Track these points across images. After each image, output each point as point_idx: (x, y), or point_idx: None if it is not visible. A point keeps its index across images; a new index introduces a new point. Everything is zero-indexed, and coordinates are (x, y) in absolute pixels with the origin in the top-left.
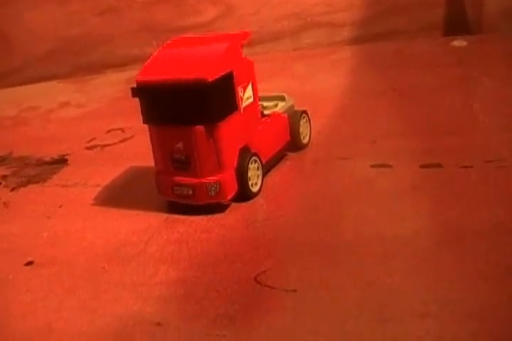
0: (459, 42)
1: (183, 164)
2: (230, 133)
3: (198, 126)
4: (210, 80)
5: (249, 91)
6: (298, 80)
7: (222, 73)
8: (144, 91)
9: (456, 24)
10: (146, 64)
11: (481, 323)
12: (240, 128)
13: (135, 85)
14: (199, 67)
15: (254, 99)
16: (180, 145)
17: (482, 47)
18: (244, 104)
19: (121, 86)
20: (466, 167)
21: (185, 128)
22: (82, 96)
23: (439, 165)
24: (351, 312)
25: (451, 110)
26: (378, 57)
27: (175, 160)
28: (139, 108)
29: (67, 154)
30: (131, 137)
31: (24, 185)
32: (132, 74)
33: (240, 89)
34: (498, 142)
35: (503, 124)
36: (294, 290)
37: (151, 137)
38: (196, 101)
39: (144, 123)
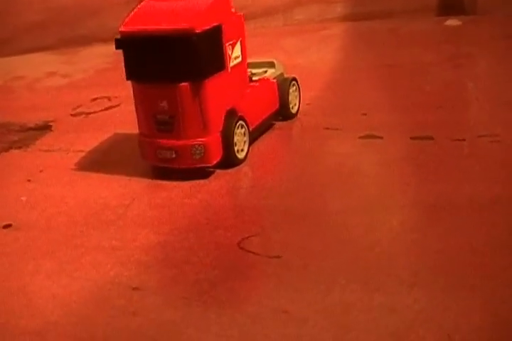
0: (452, 22)
1: (167, 125)
2: (217, 92)
3: (183, 83)
4: (197, 31)
5: (237, 50)
6: (288, 54)
7: (211, 25)
8: (127, 43)
9: (451, 5)
10: (130, 15)
11: (471, 294)
12: (227, 89)
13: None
14: (186, 18)
15: (242, 59)
16: (164, 104)
17: (476, 27)
18: (232, 64)
19: (109, 58)
20: (458, 140)
21: (169, 86)
22: (69, 67)
23: (430, 138)
24: (337, 281)
25: (444, 86)
26: (371, 35)
27: (159, 122)
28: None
29: (51, 121)
30: (117, 105)
31: (6, 150)
32: None
33: (228, 47)
34: (492, 117)
35: (497, 101)
36: (278, 257)
37: (134, 96)
38: (182, 53)
39: (127, 79)
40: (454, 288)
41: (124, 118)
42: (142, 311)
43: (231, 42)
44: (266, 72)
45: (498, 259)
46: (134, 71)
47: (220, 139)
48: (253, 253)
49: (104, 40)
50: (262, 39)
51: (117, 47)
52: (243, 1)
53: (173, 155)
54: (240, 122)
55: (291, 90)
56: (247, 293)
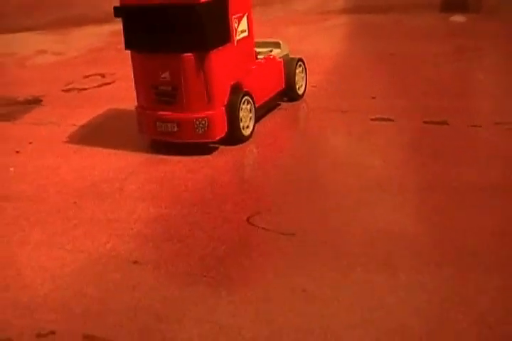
0: (457, 18)
1: (169, 97)
2: (222, 65)
3: (187, 54)
4: (202, 0)
5: (244, 24)
6: (290, 41)
7: None
8: (128, 11)
9: (455, 2)
10: None
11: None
12: (233, 62)
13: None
14: None
15: (249, 34)
16: (166, 75)
17: (481, 24)
18: (238, 37)
19: (102, 37)
20: (474, 126)
21: (173, 56)
22: (60, 46)
23: (445, 123)
24: (358, 260)
25: (452, 76)
26: (374, 26)
27: (160, 93)
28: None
29: (42, 96)
30: (112, 82)
31: None
32: (114, 28)
33: (234, 20)
34: (505, 106)
35: (508, 90)
36: (292, 234)
37: (133, 66)
38: (187, 24)
39: (126, 48)
40: (486, 268)
41: (118, 94)
42: (142, 286)
43: (237, 16)
44: (271, 51)
45: None
46: (135, 40)
47: (225, 114)
48: (265, 229)
49: (97, 21)
50: (262, 27)
51: (116, 15)
52: None
53: (175, 129)
54: (246, 97)
55: (297, 71)
56: (260, 271)
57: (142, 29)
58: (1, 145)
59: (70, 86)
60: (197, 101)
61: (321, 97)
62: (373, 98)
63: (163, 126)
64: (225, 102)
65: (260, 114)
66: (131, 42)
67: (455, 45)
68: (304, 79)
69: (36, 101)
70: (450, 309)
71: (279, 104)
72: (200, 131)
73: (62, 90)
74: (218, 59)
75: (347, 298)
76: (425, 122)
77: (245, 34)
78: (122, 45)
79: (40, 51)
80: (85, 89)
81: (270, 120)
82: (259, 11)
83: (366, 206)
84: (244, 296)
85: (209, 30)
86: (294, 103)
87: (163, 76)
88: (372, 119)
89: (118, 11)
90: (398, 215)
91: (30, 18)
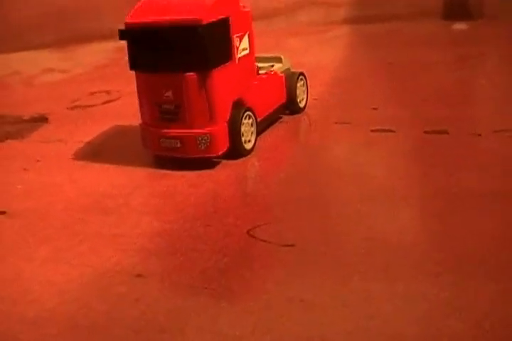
0: (459, 26)
1: (172, 115)
2: (224, 83)
3: (189, 73)
4: (204, 22)
5: (245, 43)
6: (293, 53)
7: (218, 17)
8: (132, 34)
9: (457, 9)
10: (136, 6)
11: (500, 280)
12: (235, 80)
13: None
14: (193, 9)
15: (250, 51)
16: (169, 94)
17: (483, 31)
18: (239, 55)
19: (107, 54)
20: (473, 135)
21: (175, 76)
22: (67, 63)
23: (445, 132)
24: (356, 270)
25: (454, 83)
26: (376, 36)
27: (163, 111)
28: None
29: (48, 113)
30: (117, 99)
31: (1, 140)
32: (119, 45)
33: (235, 39)
34: (506, 113)
35: (509, 97)
36: (292, 245)
37: (138, 86)
38: (189, 44)
39: (130, 69)
40: (481, 275)
41: (123, 111)
42: (146, 298)
43: (239, 35)
44: (273, 66)
45: None
46: (139, 61)
47: (227, 129)
48: (265, 241)
49: (102, 38)
50: (266, 39)
51: (121, 38)
52: (245, 3)
53: (178, 145)
54: (248, 113)
55: (298, 84)
56: (260, 282)
57: (146, 50)
58: (10, 163)
59: (76, 103)
60: (199, 118)
61: (323, 109)
62: (374, 109)
63: (166, 142)
64: (227, 118)
65: (262, 127)
66: (135, 63)
67: (457, 53)
68: (305, 92)
69: (42, 119)
70: (449, 316)
71: (281, 117)
72: (203, 147)
73: (68, 108)
74: (220, 77)
75: (346, 307)
76: (426, 132)
77: (246, 52)
78: (127, 62)
79: (47, 69)
80: (91, 106)
81: (272, 133)
82: (264, 23)
83: (366, 215)
84: (245, 306)
85: (211, 50)
86: (295, 116)
87: (166, 95)
88: (373, 130)
89: (123, 34)
90: (398, 224)
91: (37, 36)
